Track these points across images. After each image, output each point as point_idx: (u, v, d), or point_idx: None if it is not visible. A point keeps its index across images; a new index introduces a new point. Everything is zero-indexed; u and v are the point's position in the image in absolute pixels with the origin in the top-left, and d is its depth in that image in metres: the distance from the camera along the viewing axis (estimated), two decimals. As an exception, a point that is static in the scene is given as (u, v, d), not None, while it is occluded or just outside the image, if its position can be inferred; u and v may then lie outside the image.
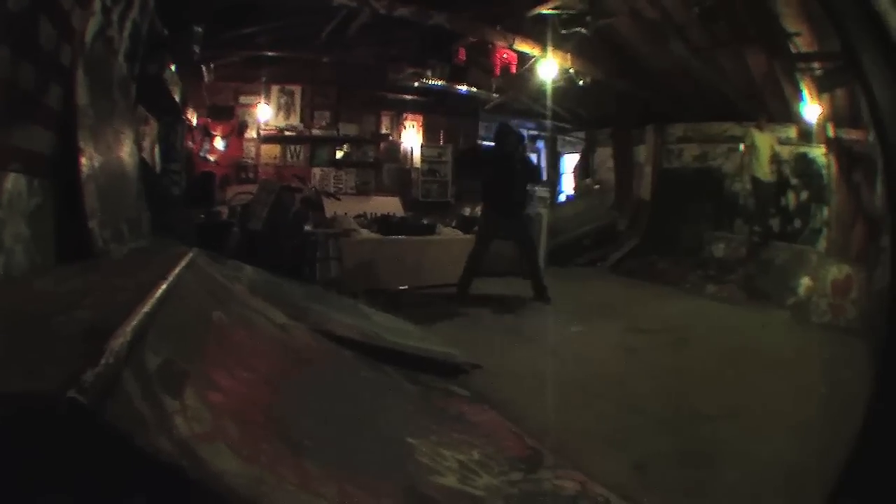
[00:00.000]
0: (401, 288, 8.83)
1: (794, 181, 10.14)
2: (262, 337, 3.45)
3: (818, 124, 9.12)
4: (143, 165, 6.23)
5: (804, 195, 9.99)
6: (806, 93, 8.97)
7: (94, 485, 1.50)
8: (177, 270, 2.98)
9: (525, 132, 16.74)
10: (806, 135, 9.64)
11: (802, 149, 9.91)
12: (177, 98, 8.85)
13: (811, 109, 9.04)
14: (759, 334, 7.22)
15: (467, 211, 14.45)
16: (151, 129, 8.23)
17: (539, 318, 7.58)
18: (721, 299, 9.30)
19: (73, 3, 3.87)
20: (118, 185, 4.86)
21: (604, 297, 9.14)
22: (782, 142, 10.20)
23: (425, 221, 10.49)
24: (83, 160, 3.97)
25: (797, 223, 10.08)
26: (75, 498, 1.49)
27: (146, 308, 2.14)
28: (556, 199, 16.10)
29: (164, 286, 2.53)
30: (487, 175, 9.07)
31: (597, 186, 14.33)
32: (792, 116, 9.67)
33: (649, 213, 12.61)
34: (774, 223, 10.37)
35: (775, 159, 10.21)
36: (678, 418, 4.50)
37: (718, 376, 5.47)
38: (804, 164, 9.94)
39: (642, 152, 13.45)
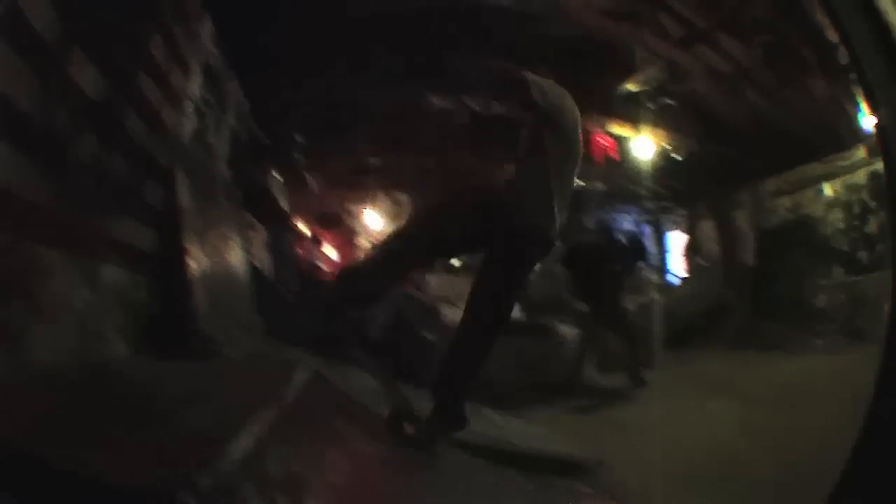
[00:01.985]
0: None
1: (872, 204, 9.55)
2: (382, 445, 3.41)
3: (876, 134, 8.60)
4: (255, 271, 6.34)
5: (882, 216, 9.35)
6: (862, 104, 8.52)
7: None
8: (301, 378, 2.95)
9: (633, 218, 16.50)
10: (873, 150, 9.09)
11: (873, 167, 9.32)
12: (284, 206, 9.05)
13: (869, 120, 8.53)
14: (859, 383, 6.76)
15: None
16: (260, 236, 8.42)
17: (654, 405, 7.27)
18: (826, 351, 8.81)
19: (162, 99, 4.01)
20: (228, 288, 4.94)
21: (717, 376, 8.72)
22: (857, 165, 9.70)
23: (542, 322, 10.38)
24: (190, 261, 4.05)
25: (880, 248, 9.45)
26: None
27: (268, 414, 2.09)
28: (667, 280, 15.63)
29: (286, 391, 2.49)
30: None
31: (705, 263, 13.88)
32: (858, 135, 9.18)
33: (755, 279, 12.10)
34: (863, 256, 9.79)
35: (855, 187, 9.77)
36: (790, 484, 4.23)
37: (826, 436, 5.17)
38: (877, 182, 9.31)
39: (741, 217, 12.99)
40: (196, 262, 4.17)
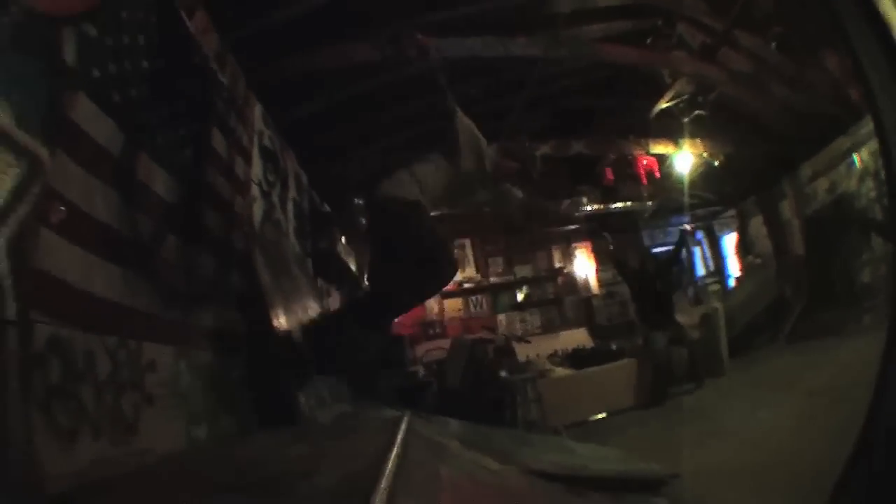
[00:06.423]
0: (600, 416, 8.54)
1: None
2: (483, 484, 3.44)
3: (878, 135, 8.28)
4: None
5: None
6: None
7: None
8: (400, 435, 3.01)
9: (686, 227, 16.10)
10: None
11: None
12: (353, 268, 9.15)
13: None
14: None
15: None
16: (335, 300, 8.53)
17: (727, 412, 7.11)
18: (873, 327, 8.40)
19: (233, 191, 4.17)
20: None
21: (780, 373, 8.43)
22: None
23: (613, 347, 10.26)
24: (279, 338, 4.16)
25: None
26: None
27: (389, 468, 2.17)
28: (727, 285, 15.17)
29: (395, 449, 2.55)
30: None
31: (758, 260, 13.35)
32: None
33: (807, 269, 11.52)
34: (896, 222, 9.27)
35: (878, 153, 9.31)
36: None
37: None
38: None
39: (786, 208, 12.49)
40: (284, 335, 4.30)
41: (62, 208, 2.20)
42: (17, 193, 1.96)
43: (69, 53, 2.34)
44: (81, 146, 2.39)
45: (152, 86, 3.01)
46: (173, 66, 3.30)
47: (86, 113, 2.44)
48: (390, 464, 2.22)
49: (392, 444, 2.63)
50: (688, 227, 11.11)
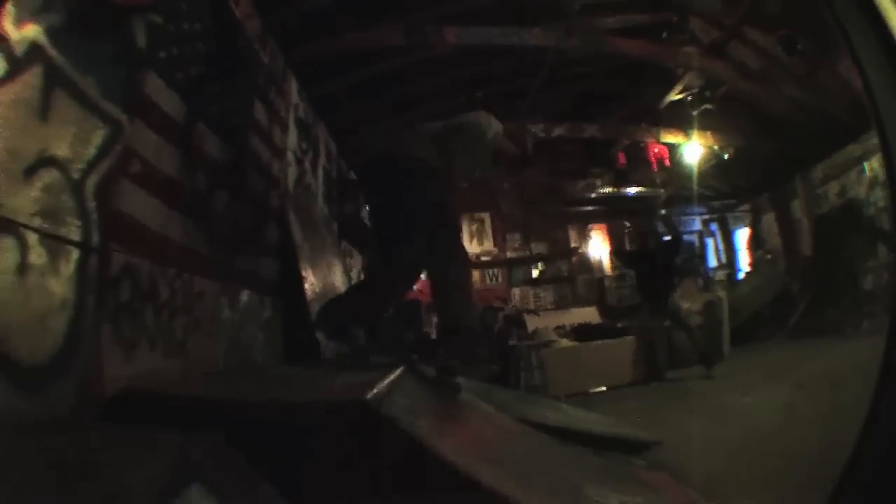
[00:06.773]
0: (601, 389, 8.75)
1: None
2: (472, 415, 3.89)
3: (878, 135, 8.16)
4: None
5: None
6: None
7: (371, 444, 2.24)
8: (402, 368, 3.50)
9: (697, 219, 16.11)
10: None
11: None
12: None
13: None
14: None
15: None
16: (356, 262, 8.96)
17: (715, 396, 7.42)
18: (872, 332, 8.52)
19: (272, 156, 4.73)
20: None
21: (775, 365, 8.63)
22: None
23: (619, 325, 10.49)
24: (307, 285, 4.74)
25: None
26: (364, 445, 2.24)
27: (391, 377, 2.77)
28: (736, 277, 15.07)
29: (395, 373, 3.07)
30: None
31: (769, 256, 13.42)
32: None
33: (814, 268, 11.57)
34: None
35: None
36: (825, 455, 4.45)
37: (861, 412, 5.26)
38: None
39: (797, 207, 12.52)
40: (311, 285, 4.87)
41: (137, 162, 2.73)
42: (103, 150, 2.48)
43: (140, 39, 2.83)
44: (152, 114, 2.91)
45: (207, 65, 3.53)
46: (223, 48, 3.82)
47: (155, 87, 2.95)
48: (389, 377, 2.78)
49: (393, 371, 3.15)
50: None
